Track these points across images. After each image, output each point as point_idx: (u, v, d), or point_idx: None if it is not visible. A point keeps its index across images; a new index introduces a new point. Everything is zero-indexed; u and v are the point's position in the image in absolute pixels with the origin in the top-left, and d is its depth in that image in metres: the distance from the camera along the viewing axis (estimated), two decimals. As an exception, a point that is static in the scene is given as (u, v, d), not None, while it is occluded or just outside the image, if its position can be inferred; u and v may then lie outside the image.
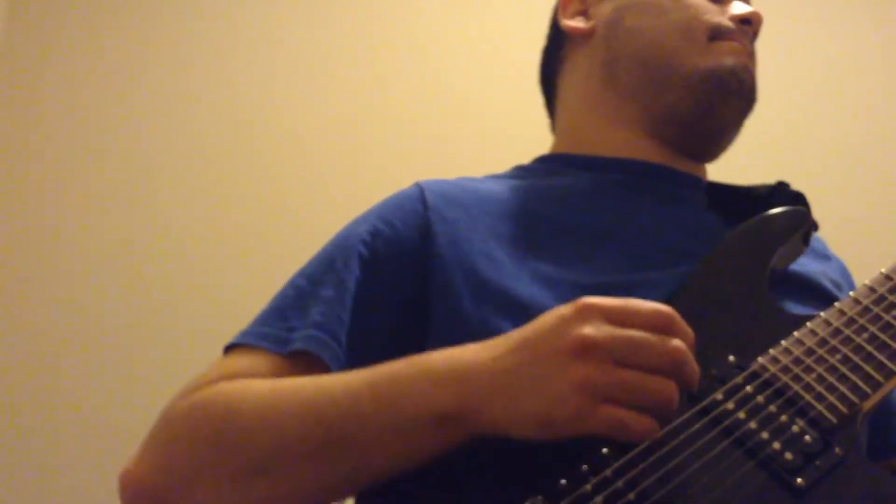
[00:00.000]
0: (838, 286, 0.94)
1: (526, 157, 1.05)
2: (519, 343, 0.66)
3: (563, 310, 0.65)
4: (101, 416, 1.52)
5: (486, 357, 0.67)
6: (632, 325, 0.64)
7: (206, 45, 1.77)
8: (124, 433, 1.49)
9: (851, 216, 1.65)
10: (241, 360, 0.81)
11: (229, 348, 0.85)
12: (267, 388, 0.75)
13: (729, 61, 0.95)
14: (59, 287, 1.60)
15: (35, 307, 1.58)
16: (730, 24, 0.97)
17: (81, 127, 1.70)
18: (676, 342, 0.64)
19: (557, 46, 1.07)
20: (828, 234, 1.06)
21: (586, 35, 1.01)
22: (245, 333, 0.84)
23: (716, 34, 0.96)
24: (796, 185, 0.99)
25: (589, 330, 0.63)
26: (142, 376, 1.55)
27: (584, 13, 1.03)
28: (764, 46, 1.79)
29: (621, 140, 0.98)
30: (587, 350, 0.62)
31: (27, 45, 1.73)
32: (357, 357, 0.81)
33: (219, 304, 1.60)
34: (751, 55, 0.98)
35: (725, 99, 0.95)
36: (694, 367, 0.65)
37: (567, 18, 1.04)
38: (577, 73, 1.03)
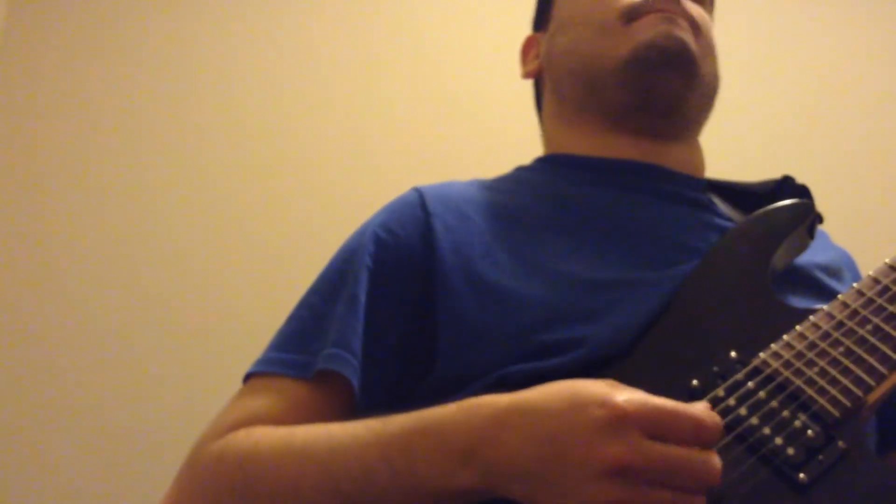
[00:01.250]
0: (839, 275, 0.93)
1: (527, 158, 1.05)
2: (543, 435, 0.61)
3: (597, 411, 0.59)
4: (101, 416, 1.53)
5: (508, 439, 0.63)
6: (670, 437, 0.59)
7: (205, 46, 1.77)
8: (124, 433, 1.51)
9: (857, 209, 1.64)
10: (263, 398, 0.82)
11: (251, 375, 0.85)
12: (279, 443, 0.75)
13: (644, 37, 0.93)
14: (60, 287, 1.60)
15: (35, 307, 1.59)
16: None
17: (82, 127, 1.70)
18: (714, 463, 0.60)
19: (536, 91, 1.13)
20: (834, 227, 1.05)
21: (538, 73, 1.08)
22: (267, 361, 0.85)
23: (631, 16, 0.95)
24: (803, 180, 0.98)
25: (623, 450, 0.58)
26: (142, 376, 1.56)
27: (538, 56, 1.09)
28: (766, 46, 1.79)
29: (601, 144, 0.98)
30: (620, 472, 0.58)
31: (27, 45, 1.74)
32: (371, 363, 0.82)
33: (219, 304, 1.60)
34: (670, 19, 0.94)
35: (655, 73, 0.93)
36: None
37: (525, 66, 1.11)
38: (546, 104, 1.08)
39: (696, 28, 0.96)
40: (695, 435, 0.60)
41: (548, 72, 1.05)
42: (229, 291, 1.61)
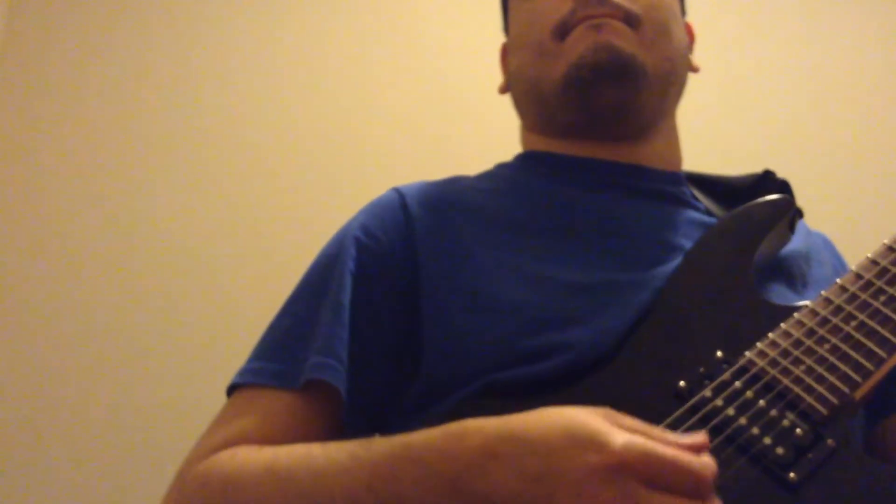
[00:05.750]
0: (819, 260, 0.93)
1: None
2: (533, 471, 0.58)
3: (593, 457, 0.57)
4: (102, 415, 1.52)
5: (496, 471, 0.60)
6: (667, 487, 0.57)
7: (206, 45, 1.76)
8: (126, 432, 1.50)
9: (845, 205, 1.65)
10: (250, 413, 0.81)
11: (235, 387, 0.84)
12: (263, 469, 0.73)
13: (573, 55, 0.91)
14: (60, 288, 1.58)
15: (35, 308, 1.57)
16: (568, 9, 0.93)
17: (82, 127, 1.69)
18: None
19: None
20: (822, 221, 1.06)
21: (507, 91, 1.07)
22: (252, 371, 0.84)
23: (562, 31, 0.93)
24: (792, 178, 0.98)
25: (616, 499, 0.55)
26: (143, 376, 1.55)
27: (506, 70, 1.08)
28: (760, 46, 1.80)
29: (573, 148, 0.97)
30: None
31: (27, 45, 1.73)
32: (357, 370, 0.81)
33: (221, 304, 1.59)
34: (598, 26, 0.91)
35: (591, 90, 0.91)
36: None
37: (503, 77, 1.09)
38: (517, 113, 1.07)
39: (633, 20, 0.92)
40: (693, 488, 0.57)
41: (510, 91, 1.05)
42: (231, 291, 1.60)
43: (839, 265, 0.98)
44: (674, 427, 0.68)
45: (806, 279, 0.90)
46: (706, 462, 0.58)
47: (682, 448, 0.58)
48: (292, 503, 0.69)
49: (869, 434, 0.87)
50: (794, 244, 0.92)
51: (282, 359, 0.83)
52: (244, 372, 0.84)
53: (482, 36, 1.31)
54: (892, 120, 1.76)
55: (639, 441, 0.57)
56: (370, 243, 0.87)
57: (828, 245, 1.01)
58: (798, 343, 0.73)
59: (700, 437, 0.60)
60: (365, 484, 0.65)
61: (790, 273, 0.89)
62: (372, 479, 0.65)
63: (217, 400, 0.87)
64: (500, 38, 1.11)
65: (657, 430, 0.61)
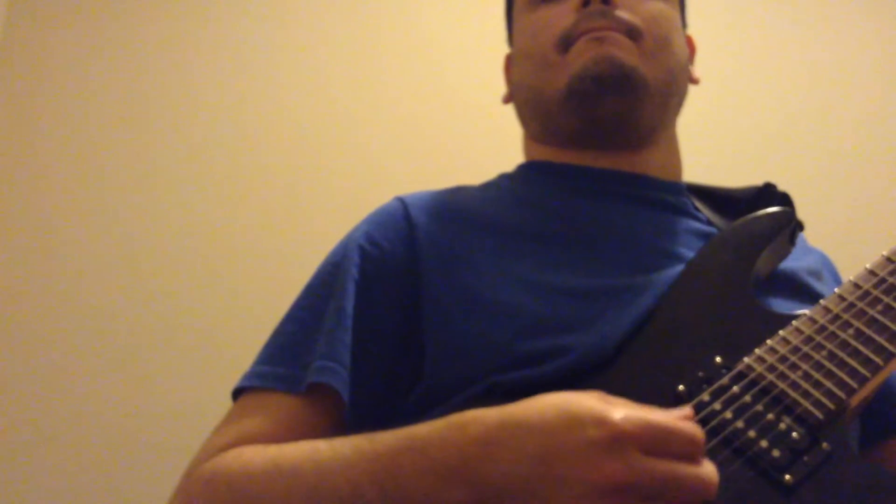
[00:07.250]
0: (818, 277, 0.94)
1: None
2: (536, 453, 0.59)
3: (594, 431, 0.58)
4: (102, 418, 1.52)
5: (499, 456, 0.61)
6: (665, 453, 0.58)
7: (207, 45, 1.77)
8: (127, 436, 1.50)
9: (843, 215, 1.65)
10: (254, 416, 0.82)
11: (240, 391, 0.86)
12: (268, 464, 0.73)
13: (575, 67, 0.93)
14: (60, 288, 1.59)
15: (35, 308, 1.58)
16: (571, 22, 0.95)
17: (82, 127, 1.70)
18: (712, 474, 0.59)
19: None
20: (820, 232, 1.07)
21: (510, 101, 1.10)
22: (257, 375, 0.85)
23: (565, 44, 0.95)
24: (789, 188, 0.99)
25: (623, 469, 0.57)
26: (145, 378, 1.55)
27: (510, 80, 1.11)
28: (760, 47, 1.81)
29: (574, 157, 0.99)
30: (619, 490, 0.57)
31: (27, 45, 1.74)
32: (360, 375, 0.83)
33: (223, 305, 1.60)
34: (601, 39, 0.93)
35: (593, 102, 0.94)
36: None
37: (507, 87, 1.12)
38: (520, 123, 1.09)
39: (634, 33, 0.95)
40: (688, 451, 0.59)
41: (514, 101, 1.08)
42: (235, 294, 1.61)
43: (836, 285, 0.99)
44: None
45: (804, 292, 0.91)
46: (697, 427, 0.60)
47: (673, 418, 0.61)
48: (298, 497, 0.69)
49: (868, 455, 0.88)
50: (794, 258, 0.94)
51: (286, 363, 0.84)
52: (249, 376, 0.86)
53: (487, 44, 1.33)
54: (890, 127, 1.77)
55: (635, 412, 0.59)
56: (373, 251, 0.89)
57: (827, 263, 1.02)
58: (795, 349, 0.74)
59: (686, 410, 0.63)
60: (368, 475, 0.66)
61: (789, 285, 0.91)
62: (375, 471, 0.66)
63: (222, 403, 0.88)
64: (503, 46, 1.13)
65: (646, 407, 0.62)
